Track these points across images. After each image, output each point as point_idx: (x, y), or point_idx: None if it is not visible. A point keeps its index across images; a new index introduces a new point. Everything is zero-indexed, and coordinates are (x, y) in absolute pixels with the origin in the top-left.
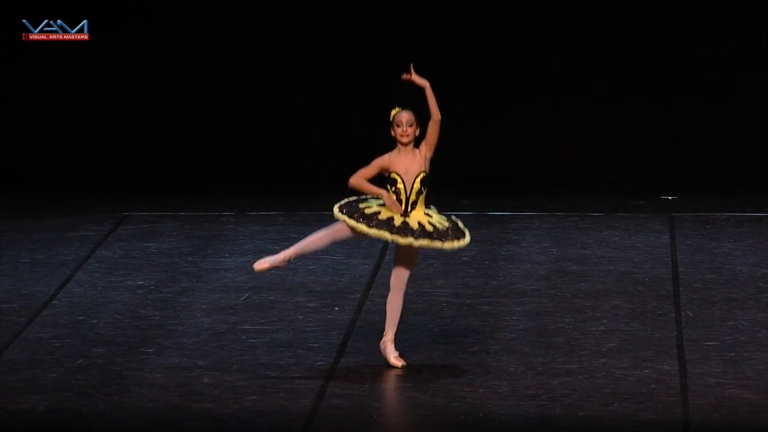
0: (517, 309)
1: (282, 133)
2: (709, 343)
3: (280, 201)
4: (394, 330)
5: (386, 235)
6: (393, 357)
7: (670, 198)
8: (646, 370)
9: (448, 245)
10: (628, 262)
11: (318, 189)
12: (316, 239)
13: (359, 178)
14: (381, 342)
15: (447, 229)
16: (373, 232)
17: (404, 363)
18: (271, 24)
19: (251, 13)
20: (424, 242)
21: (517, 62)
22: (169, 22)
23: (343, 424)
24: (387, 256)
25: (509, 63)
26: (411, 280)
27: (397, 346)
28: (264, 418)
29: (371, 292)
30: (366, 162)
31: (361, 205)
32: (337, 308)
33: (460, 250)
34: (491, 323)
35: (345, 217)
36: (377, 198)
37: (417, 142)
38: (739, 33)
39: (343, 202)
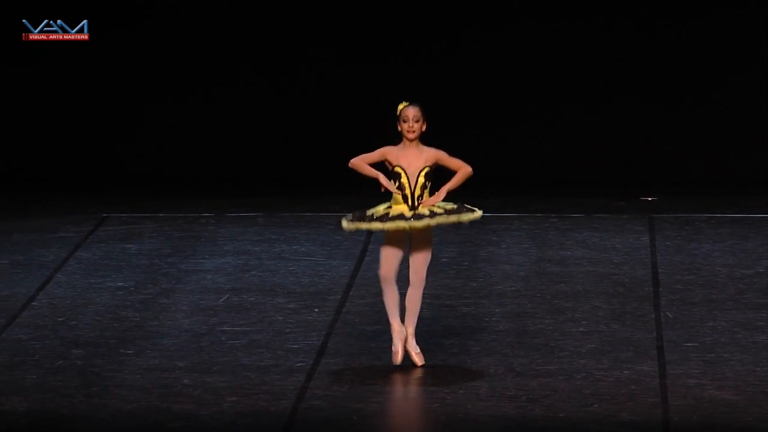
0: (497, 310)
1: (262, 135)
2: (689, 344)
3: (260, 202)
4: (414, 325)
5: (402, 224)
6: (414, 353)
7: (649, 199)
8: (626, 371)
9: (465, 217)
10: (607, 263)
11: (297, 190)
12: (389, 297)
13: (360, 160)
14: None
15: (455, 208)
16: (389, 225)
17: (423, 361)
18: (257, 29)
19: (236, 18)
20: (440, 219)
21: (497, 65)
22: (156, 26)
23: (323, 425)
24: (367, 257)
25: (490, 66)
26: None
27: (377, 347)
28: (244, 419)
29: (351, 293)
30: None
31: (369, 211)
32: (317, 309)
33: (470, 223)
34: (471, 324)
35: (357, 223)
36: (382, 203)
37: (424, 136)
38: (719, 36)
39: (349, 215)
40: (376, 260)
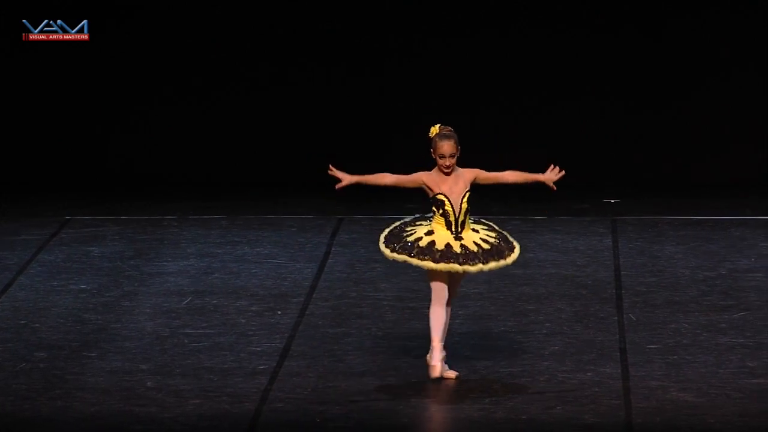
0: (460, 312)
1: (226, 137)
2: (651, 346)
3: (223, 204)
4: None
5: (456, 267)
6: (447, 372)
7: (612, 201)
8: (589, 373)
9: (511, 259)
10: (570, 266)
11: (260, 192)
12: (437, 317)
13: (391, 177)
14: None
15: (496, 244)
16: (442, 266)
17: (456, 373)
18: (235, 33)
19: (220, 22)
20: (492, 265)
21: (459, 68)
22: (130, 30)
23: (286, 428)
24: (330, 259)
25: (452, 69)
26: (355, 284)
27: (340, 349)
28: (207, 422)
29: (314, 295)
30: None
31: (405, 233)
32: (279, 312)
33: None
34: None
35: (399, 255)
36: (422, 221)
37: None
38: (683, 40)
39: (386, 232)
40: (340, 262)
